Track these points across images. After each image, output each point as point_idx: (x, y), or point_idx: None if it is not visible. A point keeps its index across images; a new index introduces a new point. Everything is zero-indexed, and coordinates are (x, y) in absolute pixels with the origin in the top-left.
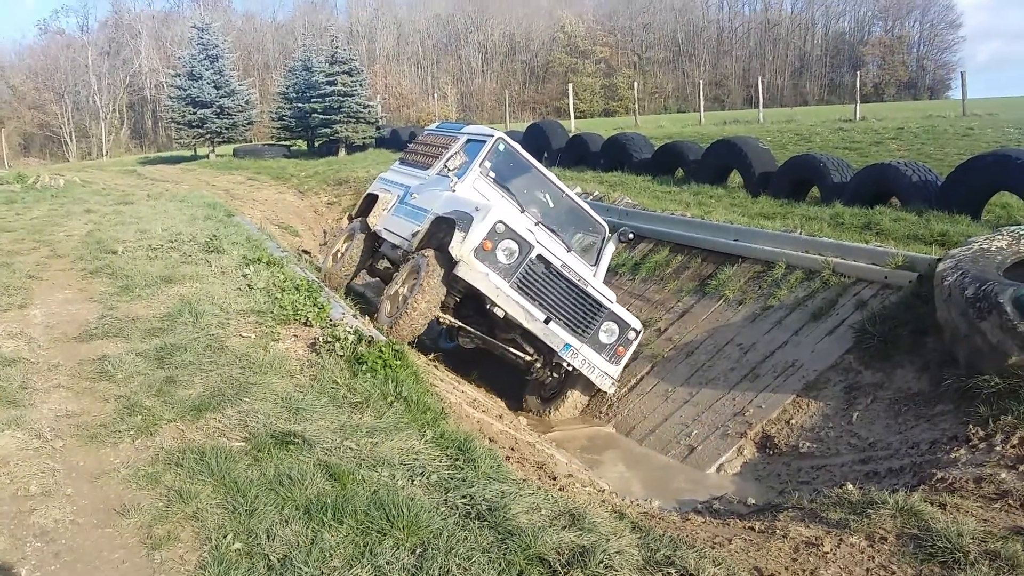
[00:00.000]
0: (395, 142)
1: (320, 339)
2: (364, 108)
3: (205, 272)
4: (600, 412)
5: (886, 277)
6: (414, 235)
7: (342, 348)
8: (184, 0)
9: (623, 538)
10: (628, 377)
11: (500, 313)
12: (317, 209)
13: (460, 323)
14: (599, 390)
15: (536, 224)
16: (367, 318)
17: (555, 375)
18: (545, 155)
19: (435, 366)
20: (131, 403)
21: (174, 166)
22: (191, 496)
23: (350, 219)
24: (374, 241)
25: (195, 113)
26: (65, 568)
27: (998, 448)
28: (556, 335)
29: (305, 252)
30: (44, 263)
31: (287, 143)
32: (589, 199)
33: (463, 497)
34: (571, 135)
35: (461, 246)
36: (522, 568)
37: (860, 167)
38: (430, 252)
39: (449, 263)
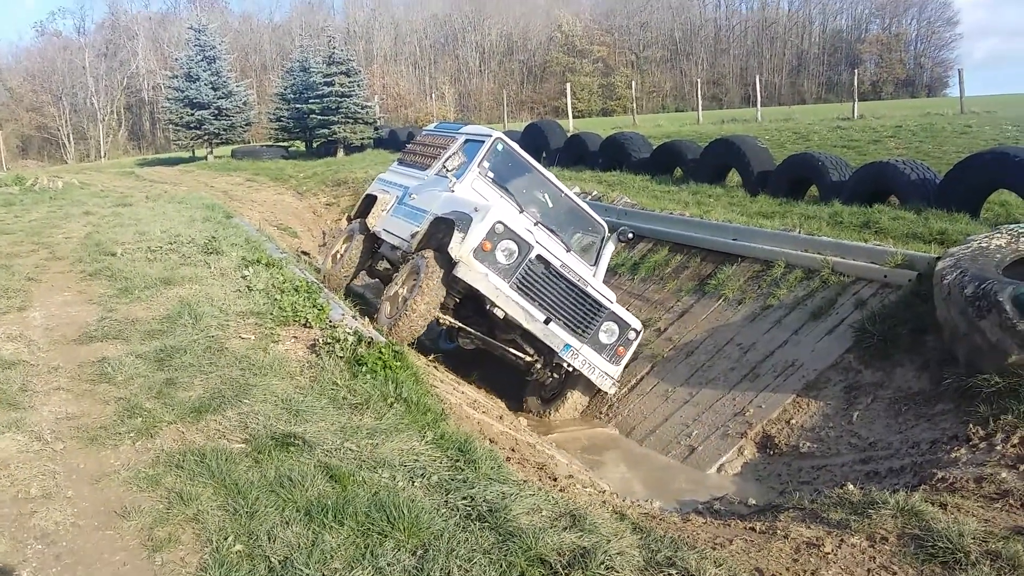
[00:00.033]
0: (393, 142)
1: (320, 340)
2: (362, 109)
3: (204, 274)
4: (600, 413)
5: (885, 276)
6: (413, 236)
7: (342, 349)
8: (181, 1)
9: (624, 539)
10: (628, 377)
11: (500, 314)
12: (316, 210)
13: (460, 324)
14: (600, 390)
15: (535, 224)
16: (367, 319)
17: (555, 376)
18: (543, 155)
19: (435, 367)
20: (131, 405)
21: (172, 167)
22: (192, 498)
23: (349, 220)
24: (373, 242)
25: (193, 114)
26: (66, 570)
27: (998, 447)
28: (556, 335)
29: (304, 253)
30: (43, 265)
31: (285, 144)
32: (588, 199)
33: (464, 498)
34: (569, 135)
35: (460, 247)
36: (523, 569)
37: (858, 165)
38: (429, 253)
39: (448, 264)
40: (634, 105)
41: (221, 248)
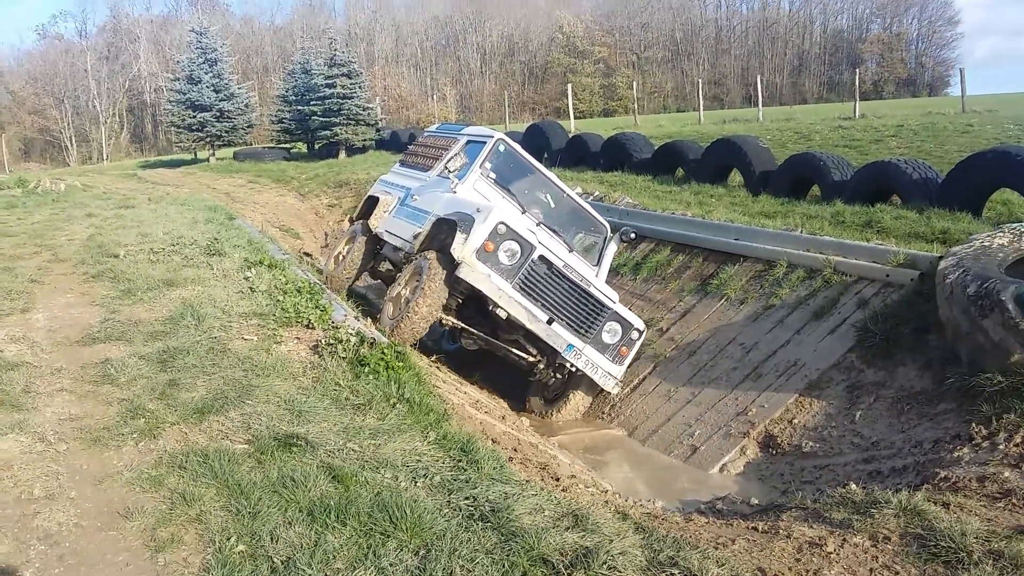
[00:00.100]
0: (395, 144)
1: (322, 341)
2: (364, 110)
3: (207, 275)
4: (603, 413)
5: (888, 275)
6: (415, 237)
7: (344, 350)
8: (182, 4)
9: (626, 539)
10: (631, 377)
11: (502, 314)
12: (318, 211)
13: (462, 324)
14: (602, 391)
15: (537, 225)
16: (369, 320)
17: (558, 376)
18: (545, 156)
19: (438, 367)
20: (134, 406)
21: (174, 170)
22: (194, 499)
23: (351, 221)
24: (375, 243)
25: (195, 117)
26: (69, 571)
27: (1001, 447)
28: (559, 336)
29: (306, 254)
30: (46, 267)
31: (287, 146)
32: (590, 199)
33: (466, 498)
34: (571, 135)
35: (463, 247)
36: (525, 569)
37: (860, 165)
38: (432, 254)
39: (451, 264)
40: (635, 105)
41: (223, 250)
